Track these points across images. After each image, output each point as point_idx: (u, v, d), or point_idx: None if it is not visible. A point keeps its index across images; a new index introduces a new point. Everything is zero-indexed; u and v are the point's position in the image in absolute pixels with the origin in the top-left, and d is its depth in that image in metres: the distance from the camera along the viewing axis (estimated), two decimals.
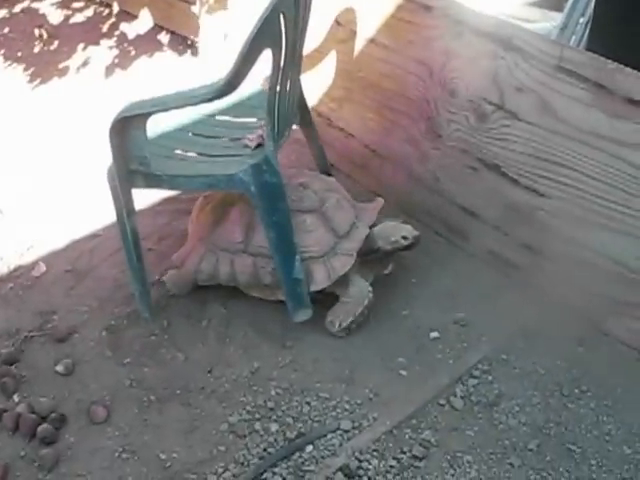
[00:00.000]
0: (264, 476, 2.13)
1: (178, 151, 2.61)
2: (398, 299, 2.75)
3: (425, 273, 2.87)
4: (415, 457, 2.22)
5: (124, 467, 2.16)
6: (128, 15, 4.38)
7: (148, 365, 2.45)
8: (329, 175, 3.02)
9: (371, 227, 2.71)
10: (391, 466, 2.19)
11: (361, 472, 2.16)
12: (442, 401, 2.38)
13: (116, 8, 4.42)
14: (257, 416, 2.29)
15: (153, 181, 2.46)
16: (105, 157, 2.46)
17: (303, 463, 2.17)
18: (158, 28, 4.29)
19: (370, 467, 2.18)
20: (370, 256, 2.68)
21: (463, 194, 2.94)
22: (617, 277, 2.60)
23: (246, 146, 2.61)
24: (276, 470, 2.15)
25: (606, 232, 2.56)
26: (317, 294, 2.58)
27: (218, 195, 2.74)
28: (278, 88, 2.46)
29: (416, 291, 2.80)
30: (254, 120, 2.76)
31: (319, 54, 3.29)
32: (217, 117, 2.83)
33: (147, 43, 4.22)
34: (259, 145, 2.57)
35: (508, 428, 2.34)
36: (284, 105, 2.58)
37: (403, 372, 2.48)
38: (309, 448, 2.21)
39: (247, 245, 2.60)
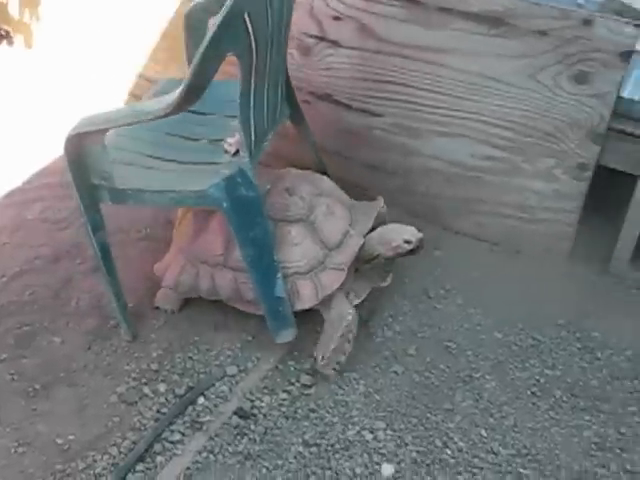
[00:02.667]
0: (163, 436, 2.15)
1: (149, 157, 2.35)
2: None
3: None
4: (304, 386, 2.30)
5: (23, 460, 2.13)
6: None
7: (26, 356, 2.41)
8: (324, 173, 2.67)
9: (370, 231, 2.45)
10: (283, 399, 2.26)
11: (255, 411, 2.22)
12: (319, 328, 2.44)
13: None
14: (144, 381, 2.30)
15: (118, 196, 2.24)
16: None
17: (198, 415, 2.21)
18: None
19: (263, 404, 2.24)
20: (370, 264, 2.45)
21: None
22: (457, 177, 2.75)
23: (225, 151, 2.35)
24: (173, 428, 2.17)
25: (440, 137, 2.69)
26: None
27: None
28: (252, 94, 2.18)
29: None
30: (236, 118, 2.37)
31: (138, 20, 3.27)
32: (198, 115, 2.51)
33: None
34: (239, 151, 2.27)
35: (385, 339, 2.47)
36: (262, 109, 2.32)
37: None
38: (201, 400, 2.25)
39: (227, 259, 2.39)
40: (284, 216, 2.36)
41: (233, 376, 2.32)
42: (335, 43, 2.76)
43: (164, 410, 2.22)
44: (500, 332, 2.53)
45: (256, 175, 2.20)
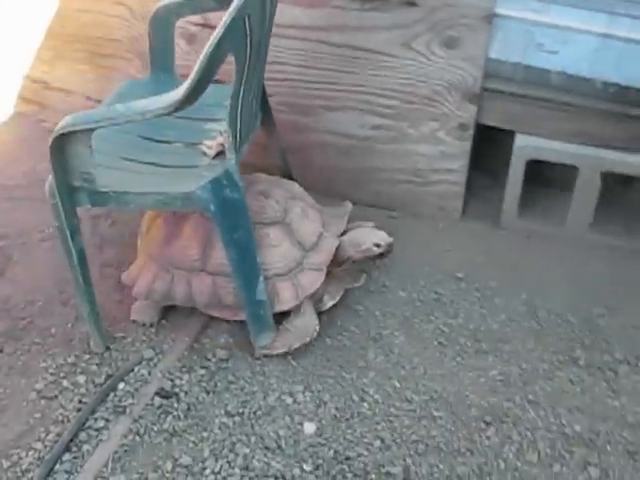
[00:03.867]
0: (88, 424, 2.19)
1: (126, 160, 2.29)
2: None
3: None
4: (221, 360, 2.38)
5: None
6: None
7: None
8: (291, 179, 2.69)
9: (341, 235, 2.51)
10: (202, 375, 2.33)
11: (176, 389, 2.28)
12: None
13: None
14: (62, 375, 2.33)
15: (99, 199, 2.19)
16: None
17: (120, 400, 2.25)
18: None
19: (183, 382, 2.30)
20: (341, 266, 2.51)
21: None
22: (351, 149, 2.86)
23: (204, 154, 2.30)
24: (97, 415, 2.21)
25: (330, 112, 2.79)
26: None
27: None
28: (241, 96, 2.19)
29: None
30: (212, 122, 2.37)
31: (21, 20, 3.25)
32: (168, 118, 2.36)
33: None
34: (219, 153, 2.25)
35: None
36: (247, 111, 2.32)
37: None
38: (121, 385, 2.29)
39: (205, 263, 2.36)
40: (261, 219, 2.36)
41: (151, 359, 2.37)
42: None
43: (86, 400, 2.25)
44: (404, 291, 2.66)
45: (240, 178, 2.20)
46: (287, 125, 2.87)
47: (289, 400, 2.27)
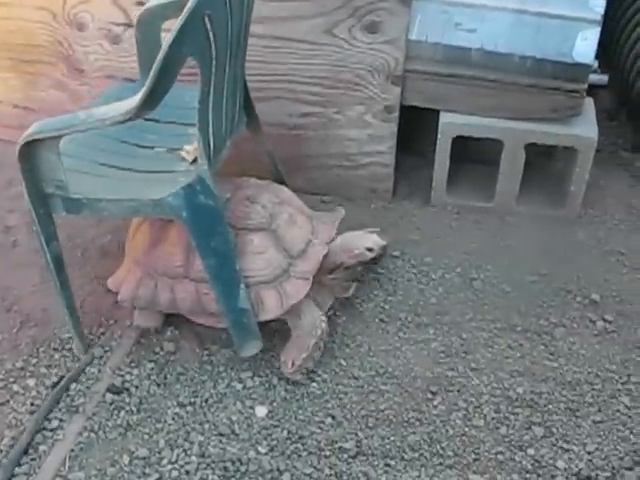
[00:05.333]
0: (43, 426, 2.20)
1: (103, 165, 2.26)
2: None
3: None
4: (169, 352, 2.41)
5: None
6: None
7: None
8: (282, 183, 2.62)
9: (331, 241, 2.44)
10: (151, 369, 2.36)
11: (127, 384, 2.31)
12: None
13: None
14: (11, 380, 2.33)
15: (73, 206, 2.15)
16: None
17: (73, 400, 2.27)
18: None
19: (133, 377, 2.34)
20: (332, 274, 2.46)
21: None
22: (282, 138, 2.90)
23: (183, 159, 2.28)
24: (51, 416, 2.22)
25: (258, 103, 2.79)
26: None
27: None
28: (211, 100, 2.12)
29: None
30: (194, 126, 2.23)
31: None
32: (151, 122, 2.41)
33: None
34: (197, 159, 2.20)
35: None
36: (221, 116, 2.25)
37: None
38: (73, 385, 2.31)
39: (188, 270, 2.30)
40: (245, 225, 2.31)
41: (100, 357, 2.39)
42: None
43: (38, 402, 2.26)
44: None
45: (216, 183, 2.16)
46: None
47: (239, 386, 2.32)
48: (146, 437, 2.18)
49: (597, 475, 2.11)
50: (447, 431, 2.22)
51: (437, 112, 2.84)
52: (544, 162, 3.15)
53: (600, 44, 3.19)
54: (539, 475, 2.11)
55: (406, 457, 2.15)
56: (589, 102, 2.92)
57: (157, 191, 2.13)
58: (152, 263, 2.35)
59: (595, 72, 3.26)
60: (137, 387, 2.31)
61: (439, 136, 2.83)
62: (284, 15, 2.70)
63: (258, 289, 2.29)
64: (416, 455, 2.15)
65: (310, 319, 2.34)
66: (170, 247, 2.33)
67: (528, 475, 2.11)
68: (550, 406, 2.29)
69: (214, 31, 1.99)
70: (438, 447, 2.18)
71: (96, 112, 2.03)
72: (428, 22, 2.72)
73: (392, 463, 2.13)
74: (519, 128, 2.82)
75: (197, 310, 2.36)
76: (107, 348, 2.42)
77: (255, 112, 2.61)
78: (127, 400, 2.27)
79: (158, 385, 2.31)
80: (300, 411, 2.25)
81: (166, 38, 1.86)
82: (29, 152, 2.06)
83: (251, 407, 2.26)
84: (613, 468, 2.13)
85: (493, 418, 2.26)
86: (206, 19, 1.94)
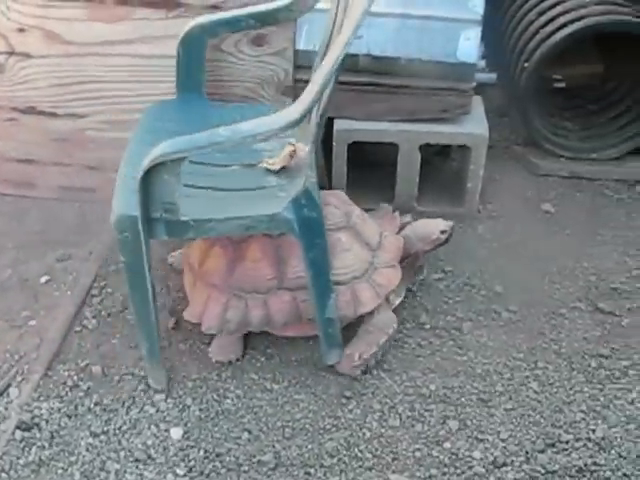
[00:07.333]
0: None
1: (188, 187, 2.16)
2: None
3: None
4: (78, 383, 2.36)
5: None
6: None
7: None
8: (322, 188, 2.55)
9: (399, 231, 2.58)
10: (60, 401, 2.30)
11: (37, 419, 2.25)
12: (78, 328, 2.52)
13: None
14: None
15: (177, 229, 2.10)
16: None
17: None
18: None
19: (43, 411, 2.27)
20: (404, 262, 2.52)
21: (17, 148, 2.96)
22: None
23: (268, 170, 2.24)
24: None
25: None
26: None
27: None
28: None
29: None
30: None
31: None
32: None
33: None
34: (283, 167, 2.23)
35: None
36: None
37: (32, 322, 2.55)
38: None
39: (282, 280, 2.32)
40: (328, 225, 2.31)
41: (6, 394, 2.32)
42: (26, 55, 2.77)
43: None
44: None
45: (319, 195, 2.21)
46: (109, 143, 2.86)
47: (152, 410, 2.28)
48: (60, 472, 2.13)
49: (512, 461, 2.15)
50: (364, 434, 2.23)
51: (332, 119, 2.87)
52: (441, 162, 3.21)
53: (487, 44, 3.28)
54: (456, 467, 2.14)
55: (325, 464, 2.15)
56: (478, 100, 2.99)
57: (269, 207, 2.13)
58: (237, 283, 2.34)
59: (483, 71, 3.36)
60: (47, 421, 2.25)
61: (334, 143, 2.85)
62: (169, 33, 2.68)
63: (352, 284, 2.36)
64: (335, 461, 2.16)
65: (384, 317, 2.43)
66: (252, 264, 2.33)
67: (446, 469, 2.14)
68: (463, 399, 2.33)
69: None
70: (356, 450, 2.19)
71: (241, 127, 1.99)
72: (315, 31, 2.73)
73: (312, 471, 2.13)
74: (412, 130, 2.86)
75: (293, 319, 2.36)
76: (13, 383, 2.35)
77: None
78: (38, 435, 2.21)
79: (69, 417, 2.26)
80: (216, 429, 2.23)
81: (330, 57, 1.98)
82: (152, 175, 1.99)
83: (166, 430, 2.23)
84: (527, 452, 2.18)
85: (408, 416, 2.28)
86: None
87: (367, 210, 2.59)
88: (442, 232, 2.54)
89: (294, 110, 2.00)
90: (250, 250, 2.33)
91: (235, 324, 2.36)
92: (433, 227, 2.56)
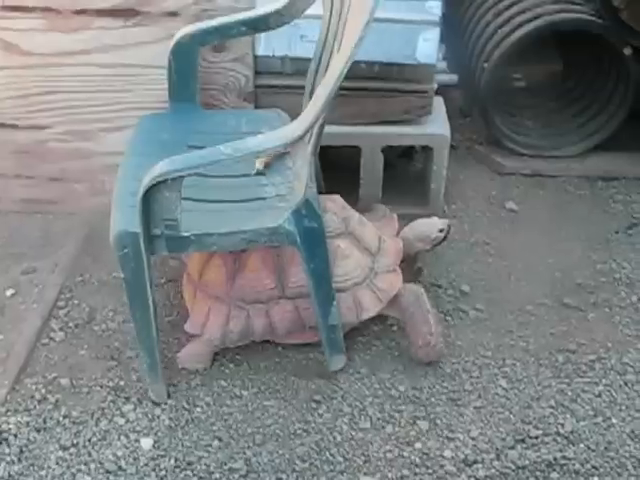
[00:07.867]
0: None
1: (191, 200, 2.15)
2: None
3: None
4: (46, 396, 2.33)
5: None
6: None
7: None
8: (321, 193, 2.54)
9: (397, 234, 2.58)
10: (29, 415, 2.27)
11: (5, 435, 2.22)
12: (45, 340, 2.50)
13: None
14: None
15: (178, 244, 2.10)
16: None
17: None
18: None
19: (11, 426, 2.24)
20: (402, 265, 2.51)
21: None
22: None
23: (258, 172, 2.25)
24: None
25: (110, 133, 2.79)
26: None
27: None
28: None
29: None
30: None
31: None
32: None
33: None
34: (267, 165, 2.25)
35: (112, 332, 2.55)
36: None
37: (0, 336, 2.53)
38: None
39: (283, 289, 2.34)
40: (327, 233, 2.30)
41: None
42: None
43: None
44: None
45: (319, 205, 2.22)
46: (71, 154, 2.85)
47: (122, 421, 2.27)
48: None
49: (483, 458, 2.16)
50: (335, 437, 2.23)
51: None
52: (405, 163, 3.23)
53: (448, 46, 3.31)
54: (428, 467, 2.15)
55: (297, 469, 2.15)
56: (439, 101, 3.01)
57: (269, 219, 2.13)
58: (239, 294, 2.35)
59: (445, 72, 3.38)
60: (16, 436, 2.22)
61: None
62: (128, 42, 2.68)
63: (354, 291, 2.37)
64: (307, 465, 2.16)
65: (409, 293, 2.43)
66: (252, 274, 2.33)
67: (417, 469, 2.15)
68: (432, 399, 2.34)
69: None
70: (327, 454, 2.19)
71: (243, 145, 2.01)
72: (274, 36, 2.74)
73: (283, 477, 2.13)
74: (375, 133, 2.88)
75: (296, 327, 2.38)
76: None
77: None
78: (6, 451, 2.18)
79: (38, 431, 2.24)
80: (186, 437, 2.22)
81: (333, 73, 1.98)
82: (150, 193, 1.98)
83: (136, 440, 2.21)
84: (497, 449, 2.19)
85: (379, 418, 2.29)
86: None
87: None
88: (440, 230, 2.55)
89: (297, 127, 2.01)
90: (250, 260, 2.33)
91: (238, 334, 2.37)
92: (431, 227, 2.57)
